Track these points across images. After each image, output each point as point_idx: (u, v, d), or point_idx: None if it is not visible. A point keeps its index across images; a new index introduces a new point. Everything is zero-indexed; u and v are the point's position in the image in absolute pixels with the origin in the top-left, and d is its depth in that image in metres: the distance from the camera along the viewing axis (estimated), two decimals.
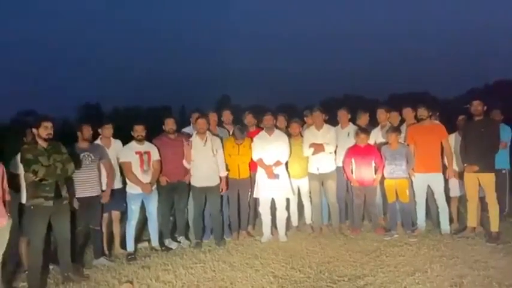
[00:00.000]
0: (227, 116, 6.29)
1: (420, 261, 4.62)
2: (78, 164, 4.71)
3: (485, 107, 5.33)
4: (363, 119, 6.26)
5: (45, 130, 4.26)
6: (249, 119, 6.14)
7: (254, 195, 5.81)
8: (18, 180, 4.39)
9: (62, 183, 4.36)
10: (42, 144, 4.27)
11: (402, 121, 6.08)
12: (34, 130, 4.26)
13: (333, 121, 6.09)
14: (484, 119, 5.34)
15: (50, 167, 4.20)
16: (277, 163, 5.62)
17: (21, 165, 4.25)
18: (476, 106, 5.29)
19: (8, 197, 4.06)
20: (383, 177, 5.76)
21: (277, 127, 5.95)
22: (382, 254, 4.91)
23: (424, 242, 5.27)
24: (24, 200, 4.41)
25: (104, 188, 5.14)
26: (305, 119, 6.41)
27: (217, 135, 5.80)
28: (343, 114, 6.08)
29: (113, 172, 5.20)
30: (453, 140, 5.73)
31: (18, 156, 4.57)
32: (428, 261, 4.59)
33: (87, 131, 5.00)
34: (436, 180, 5.61)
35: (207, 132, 5.61)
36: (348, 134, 5.97)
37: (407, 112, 5.96)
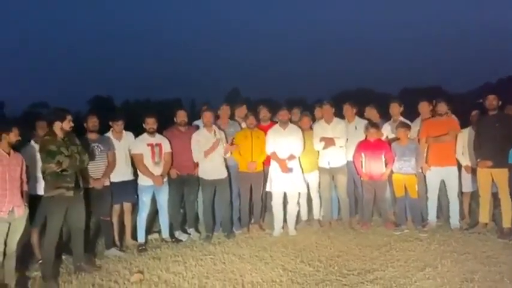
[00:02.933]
0: (242, 110, 6.22)
1: (431, 256, 4.60)
2: (91, 155, 4.77)
3: (500, 102, 5.26)
4: (370, 114, 6.23)
5: (69, 123, 4.36)
6: (263, 112, 6.06)
7: (267, 189, 5.79)
8: (27, 171, 4.44)
9: (78, 174, 4.45)
10: (60, 136, 4.33)
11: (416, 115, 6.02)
12: (57, 123, 4.31)
13: (339, 116, 6.04)
14: (499, 113, 5.26)
15: (72, 158, 4.28)
16: (291, 157, 5.60)
17: (40, 156, 4.30)
18: (492, 100, 5.21)
19: (25, 188, 4.14)
20: (393, 172, 5.73)
21: (291, 121, 5.93)
22: (392, 249, 4.90)
23: (434, 237, 5.24)
24: (39, 191, 4.50)
25: (113, 179, 5.19)
26: (315, 112, 6.37)
27: (223, 130, 5.82)
28: (347, 109, 6.04)
29: (114, 164, 5.21)
30: (467, 135, 5.67)
31: (30, 148, 4.64)
32: (439, 256, 4.57)
33: (91, 122, 5.05)
34: (450, 175, 5.57)
35: (213, 125, 5.62)
36: (356, 128, 5.94)
37: (424, 106, 5.87)
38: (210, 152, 5.48)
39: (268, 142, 5.67)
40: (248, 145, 5.69)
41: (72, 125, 4.40)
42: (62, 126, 4.32)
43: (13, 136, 3.97)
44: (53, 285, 4.13)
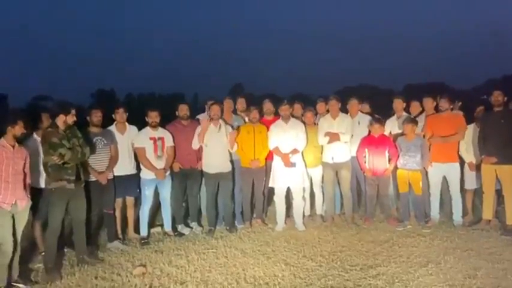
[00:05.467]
0: (242, 103, 6.24)
1: (433, 252, 4.59)
2: (92, 148, 4.77)
3: (505, 98, 5.22)
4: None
5: (72, 117, 4.39)
6: (267, 106, 6.03)
7: (270, 185, 5.78)
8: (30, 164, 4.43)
9: (80, 166, 4.46)
10: (62, 128, 4.34)
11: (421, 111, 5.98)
12: (61, 116, 4.33)
13: (343, 111, 6.00)
14: (504, 109, 5.23)
15: (74, 151, 4.30)
16: (294, 151, 5.58)
17: (42, 148, 4.32)
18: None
19: (29, 180, 4.15)
20: (396, 168, 5.71)
21: (293, 115, 5.91)
22: (395, 245, 4.89)
23: (437, 233, 5.23)
24: (42, 184, 4.50)
25: (116, 173, 5.19)
26: (317, 107, 6.33)
27: (230, 125, 5.79)
28: (353, 104, 6.04)
29: (117, 157, 5.20)
30: (471, 131, 5.63)
31: (33, 141, 4.63)
32: (442, 252, 4.56)
33: (95, 116, 5.04)
34: (452, 171, 5.55)
35: (220, 120, 5.60)
36: (359, 123, 5.93)
37: (428, 102, 5.84)
38: (202, 133, 5.40)
39: (271, 137, 5.65)
40: (250, 140, 5.66)
41: (75, 119, 4.43)
42: (66, 120, 4.34)
43: (18, 129, 3.96)
44: (55, 276, 4.15)
